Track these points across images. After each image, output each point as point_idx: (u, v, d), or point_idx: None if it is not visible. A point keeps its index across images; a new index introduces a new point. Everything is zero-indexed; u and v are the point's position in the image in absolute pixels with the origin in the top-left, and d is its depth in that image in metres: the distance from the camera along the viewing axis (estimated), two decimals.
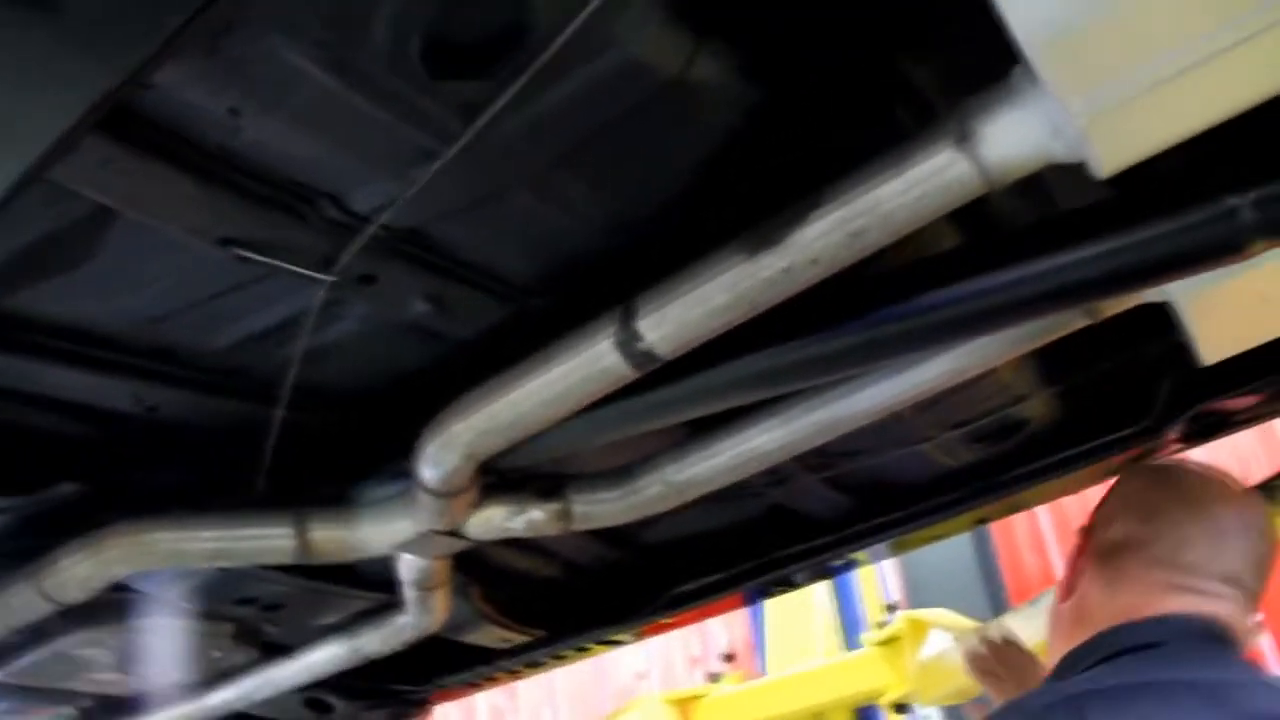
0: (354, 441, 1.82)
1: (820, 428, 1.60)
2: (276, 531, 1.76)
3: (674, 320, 1.27)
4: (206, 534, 1.75)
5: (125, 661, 2.34)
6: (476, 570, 2.37)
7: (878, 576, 5.42)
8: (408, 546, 1.78)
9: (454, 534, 1.76)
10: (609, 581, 2.54)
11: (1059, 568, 5.46)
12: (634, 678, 7.97)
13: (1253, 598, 1.52)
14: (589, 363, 1.35)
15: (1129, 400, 1.99)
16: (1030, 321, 1.37)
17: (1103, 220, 1.18)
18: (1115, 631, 1.48)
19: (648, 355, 1.31)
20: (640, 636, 2.81)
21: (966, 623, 2.92)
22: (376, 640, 2.30)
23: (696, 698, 5.08)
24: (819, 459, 2.01)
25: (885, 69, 1.24)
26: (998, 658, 2.27)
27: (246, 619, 2.29)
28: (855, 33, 1.19)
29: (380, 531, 1.76)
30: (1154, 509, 1.59)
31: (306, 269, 1.32)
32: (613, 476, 1.76)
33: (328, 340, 1.55)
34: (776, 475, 2.02)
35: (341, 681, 2.80)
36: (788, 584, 2.60)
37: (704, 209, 1.31)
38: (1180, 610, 1.47)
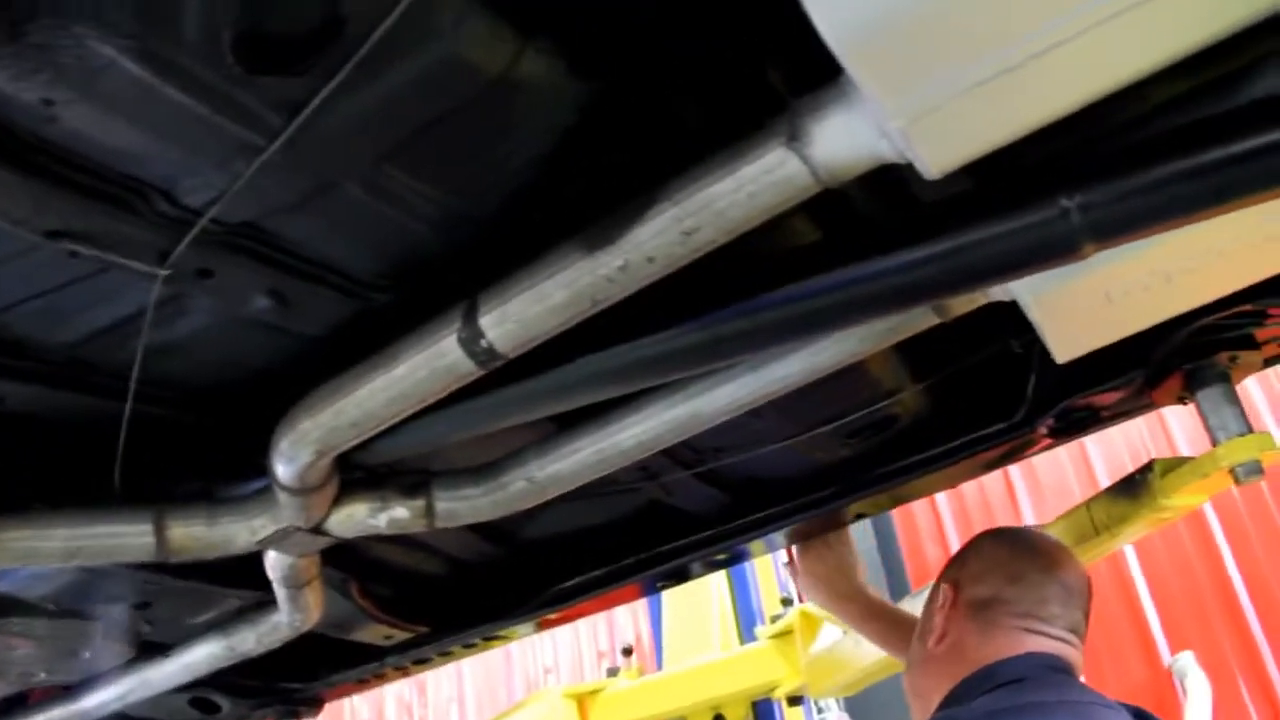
0: (217, 438, 1.78)
1: (679, 424, 1.60)
2: (134, 529, 1.71)
3: (514, 317, 1.26)
4: (61, 532, 1.70)
5: None
6: (356, 566, 2.34)
7: (775, 569, 5.45)
8: (269, 543, 1.75)
9: (316, 531, 1.74)
10: (492, 577, 2.53)
11: None
12: (542, 672, 7.95)
13: (1083, 640, 1.91)
14: (433, 359, 1.34)
15: (998, 396, 2.01)
16: (874, 319, 1.38)
17: (944, 219, 1.18)
18: (992, 668, 1.81)
19: (490, 352, 1.30)
20: (541, 628, 2.80)
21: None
22: (252, 639, 2.26)
23: (594, 692, 5.07)
24: (691, 454, 2.01)
25: (730, 67, 1.23)
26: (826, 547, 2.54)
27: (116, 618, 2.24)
28: (694, 31, 1.17)
29: (240, 529, 1.73)
30: (1018, 573, 1.92)
31: (142, 263, 1.28)
32: (476, 473, 1.74)
33: (178, 335, 1.51)
34: (648, 471, 2.01)
35: (228, 680, 2.76)
36: (676, 577, 2.61)
37: (545, 206, 1.30)
38: (1039, 650, 1.83)
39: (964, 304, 1.43)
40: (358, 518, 1.74)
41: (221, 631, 2.30)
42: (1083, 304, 1.38)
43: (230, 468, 1.80)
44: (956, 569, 2.04)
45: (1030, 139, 1.05)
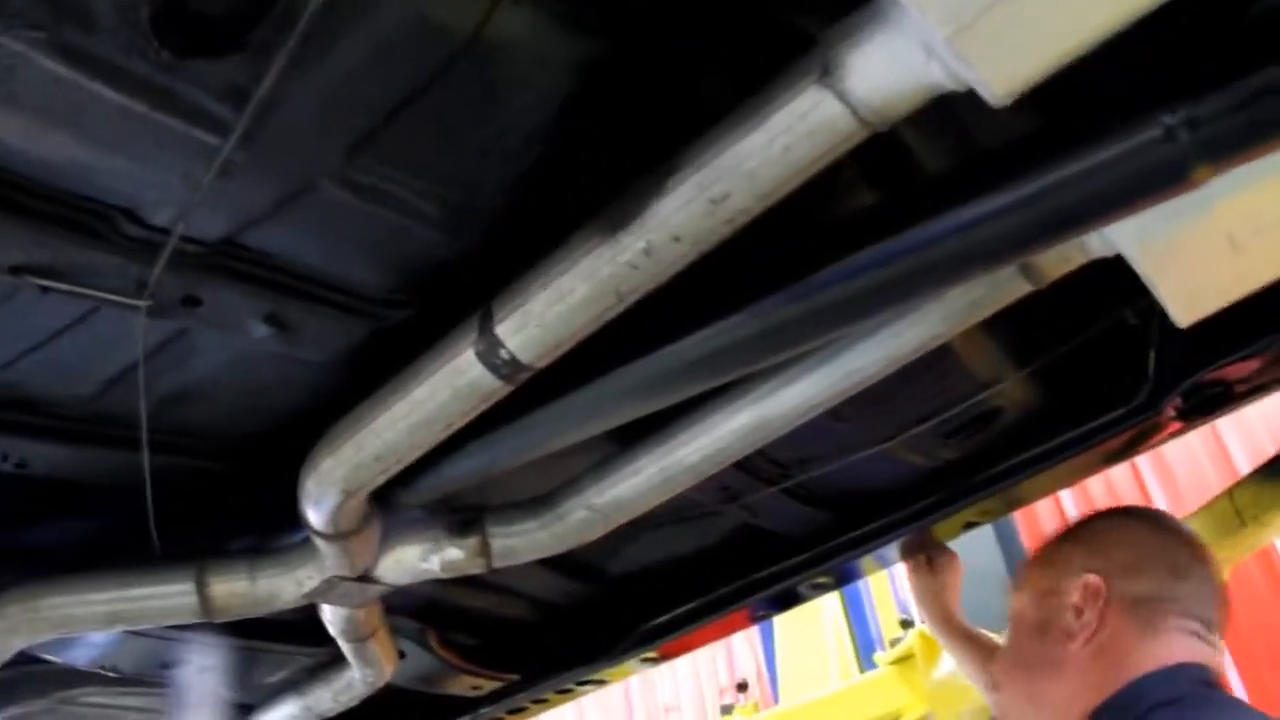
0: (255, 486, 1.66)
1: (748, 431, 1.42)
2: (176, 589, 1.61)
3: (535, 321, 1.11)
4: (99, 596, 1.61)
5: None
6: (432, 615, 2.20)
7: (892, 588, 5.15)
8: (317, 596, 1.62)
9: (365, 579, 1.60)
10: (584, 617, 2.37)
11: None
12: (663, 711, 7.68)
13: None
14: (452, 377, 1.19)
15: (1116, 377, 1.79)
16: (954, 287, 1.18)
17: (1023, 159, 1.00)
18: (1139, 686, 1.57)
19: (513, 363, 1.14)
20: (659, 660, 2.62)
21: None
22: (328, 698, 2.14)
23: None
24: (775, 470, 1.82)
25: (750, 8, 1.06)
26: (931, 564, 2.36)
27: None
28: None
29: (285, 582, 1.61)
30: (1183, 568, 1.67)
31: (121, 295, 1.15)
32: (532, 505, 1.59)
33: (193, 377, 1.40)
34: (729, 491, 1.83)
35: None
36: (780, 603, 2.42)
37: (555, 190, 1.14)
38: (1194, 660, 1.60)
39: (1058, 264, 1.23)
40: (408, 562, 1.59)
41: (297, 692, 2.19)
42: (1202, 251, 1.16)
43: (273, 517, 1.67)
44: (1097, 557, 1.71)
45: (1111, 50, 0.85)
